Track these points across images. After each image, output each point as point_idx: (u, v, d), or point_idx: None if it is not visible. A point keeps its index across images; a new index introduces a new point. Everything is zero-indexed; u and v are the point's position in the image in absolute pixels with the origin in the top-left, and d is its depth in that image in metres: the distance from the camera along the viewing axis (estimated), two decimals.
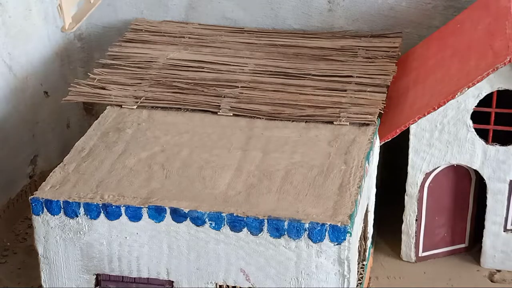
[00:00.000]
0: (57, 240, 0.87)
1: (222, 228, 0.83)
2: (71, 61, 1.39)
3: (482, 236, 1.10)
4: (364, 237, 1.00)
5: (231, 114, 1.02)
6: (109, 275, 0.88)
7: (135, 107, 1.04)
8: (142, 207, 0.84)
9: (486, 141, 1.04)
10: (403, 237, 1.12)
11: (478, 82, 0.99)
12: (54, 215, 0.86)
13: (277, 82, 1.10)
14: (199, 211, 0.83)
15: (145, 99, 1.05)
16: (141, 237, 0.85)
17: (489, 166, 1.05)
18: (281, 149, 0.94)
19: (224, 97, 1.06)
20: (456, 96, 1.00)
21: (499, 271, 1.11)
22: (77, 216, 0.86)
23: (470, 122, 1.03)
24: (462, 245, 1.14)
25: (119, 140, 0.97)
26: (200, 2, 1.32)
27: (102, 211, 0.85)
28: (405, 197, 1.09)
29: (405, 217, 1.10)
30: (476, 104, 1.02)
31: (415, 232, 1.11)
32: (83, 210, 0.85)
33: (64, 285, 0.89)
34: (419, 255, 1.13)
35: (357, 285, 0.95)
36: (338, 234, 0.80)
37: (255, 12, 1.31)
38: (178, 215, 0.83)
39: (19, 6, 1.23)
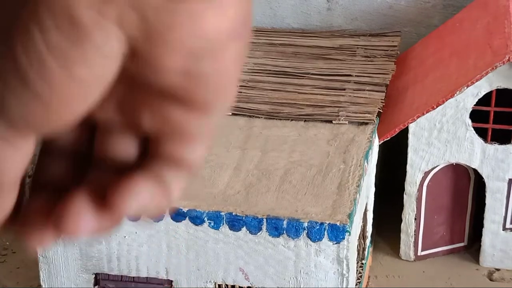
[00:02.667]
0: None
1: (221, 227, 0.82)
2: None
3: (481, 235, 1.10)
4: (363, 236, 1.00)
5: (230, 113, 1.02)
6: (108, 274, 0.88)
7: None
8: None
9: (485, 140, 1.04)
10: (402, 236, 1.12)
11: (477, 81, 0.99)
12: None
13: (275, 81, 1.10)
14: (198, 210, 0.83)
15: None
16: (140, 236, 0.85)
17: (488, 165, 1.05)
18: (280, 148, 0.94)
19: None
20: (455, 95, 1.00)
21: (498, 269, 1.11)
22: None
23: (469, 121, 1.03)
24: (461, 244, 1.14)
25: None
26: None
27: None
28: (404, 196, 1.09)
29: (404, 216, 1.10)
30: (475, 103, 1.02)
31: (414, 231, 1.11)
32: None
33: (63, 284, 0.89)
34: (418, 254, 1.13)
35: (356, 284, 0.94)
36: (337, 233, 0.80)
37: (253, 11, 1.32)
38: (177, 214, 0.83)
39: None
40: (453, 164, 1.07)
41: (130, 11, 0.26)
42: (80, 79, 0.26)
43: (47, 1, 0.25)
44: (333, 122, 1.00)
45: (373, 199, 1.05)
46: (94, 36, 0.25)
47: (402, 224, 1.11)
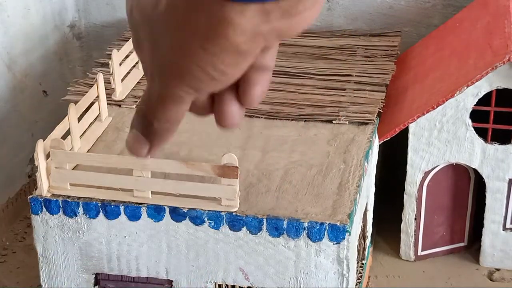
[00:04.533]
0: (56, 239, 0.87)
1: (221, 227, 0.82)
2: (70, 60, 1.38)
3: (481, 235, 1.10)
4: (363, 236, 1.00)
5: None
6: (108, 274, 0.88)
7: (134, 106, 1.04)
8: (141, 206, 0.84)
9: (485, 140, 1.04)
10: (402, 236, 1.12)
11: (477, 81, 0.99)
12: (53, 215, 0.86)
13: (276, 81, 1.10)
14: (198, 210, 0.83)
15: None
16: (140, 237, 0.85)
17: (488, 165, 1.05)
18: (280, 148, 0.94)
19: None
20: (455, 95, 1.01)
21: (498, 269, 1.11)
22: (76, 216, 0.86)
23: (469, 121, 1.03)
24: (461, 244, 1.14)
25: (118, 139, 0.96)
26: None
27: (101, 210, 0.85)
28: (404, 196, 1.09)
29: (404, 216, 1.10)
30: (475, 103, 1.02)
31: (414, 231, 1.11)
32: (82, 209, 0.85)
33: (63, 284, 0.89)
34: (418, 254, 1.13)
35: (356, 284, 0.95)
36: (337, 233, 0.80)
37: None
38: (177, 215, 0.83)
39: (18, 5, 1.23)
40: (453, 164, 1.07)
41: (272, 35, 0.45)
42: (235, 73, 0.47)
43: (219, 42, 0.44)
44: (333, 122, 1.00)
45: (373, 199, 1.05)
46: (249, 56, 0.46)
47: (402, 224, 1.11)
